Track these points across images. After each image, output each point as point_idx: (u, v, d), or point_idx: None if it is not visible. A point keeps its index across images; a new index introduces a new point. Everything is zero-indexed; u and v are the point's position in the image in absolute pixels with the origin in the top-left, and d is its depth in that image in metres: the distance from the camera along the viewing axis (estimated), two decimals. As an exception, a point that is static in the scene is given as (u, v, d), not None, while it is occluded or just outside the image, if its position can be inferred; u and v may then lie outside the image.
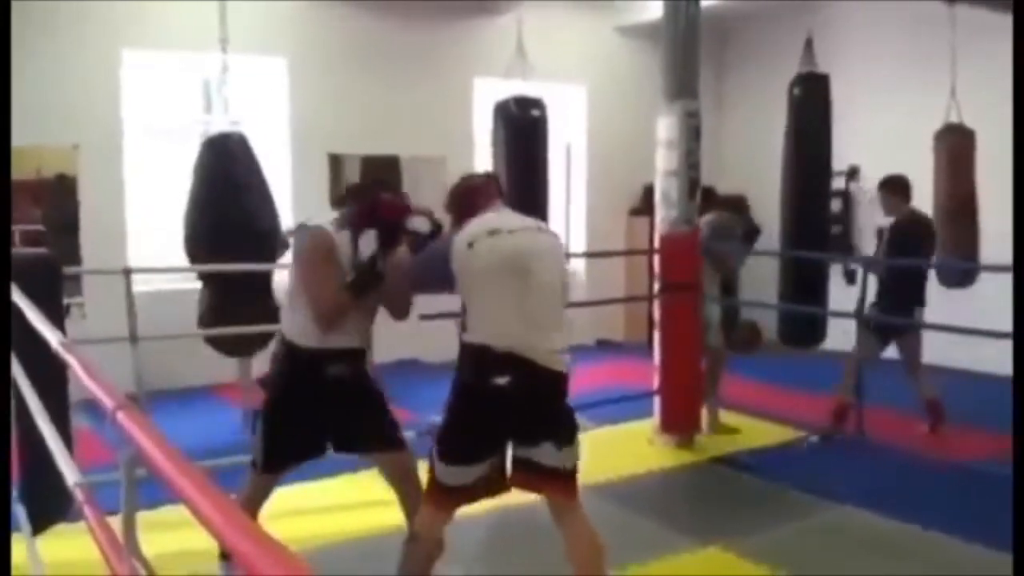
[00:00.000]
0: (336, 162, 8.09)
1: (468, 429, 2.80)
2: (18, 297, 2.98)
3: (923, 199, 5.92)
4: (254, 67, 7.31)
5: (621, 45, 9.42)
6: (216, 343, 5.41)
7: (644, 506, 4.44)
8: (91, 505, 1.91)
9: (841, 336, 5.89)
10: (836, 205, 8.12)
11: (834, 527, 4.15)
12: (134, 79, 7.20)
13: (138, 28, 6.96)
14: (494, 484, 2.88)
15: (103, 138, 6.92)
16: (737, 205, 6.09)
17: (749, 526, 4.10)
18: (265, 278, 5.45)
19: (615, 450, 5.38)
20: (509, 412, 2.75)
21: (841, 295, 6.42)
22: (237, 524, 1.06)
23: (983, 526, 3.77)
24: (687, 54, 5.38)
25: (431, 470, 2.84)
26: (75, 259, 6.57)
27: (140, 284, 5.30)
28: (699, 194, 5.46)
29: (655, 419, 5.55)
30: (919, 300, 5.53)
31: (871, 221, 7.60)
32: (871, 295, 5.55)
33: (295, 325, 3.00)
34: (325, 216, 3.02)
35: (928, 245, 5.68)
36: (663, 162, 5.45)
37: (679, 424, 5.44)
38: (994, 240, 6.38)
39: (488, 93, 7.70)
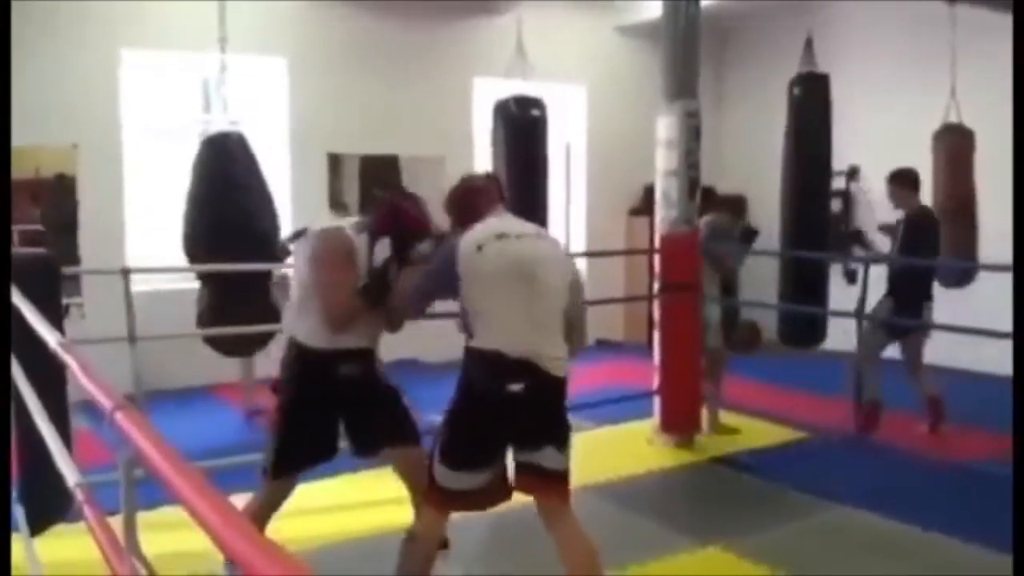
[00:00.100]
0: (335, 162, 8.09)
1: (477, 435, 2.79)
2: (17, 297, 2.97)
3: (923, 199, 5.91)
4: (254, 67, 7.31)
5: (621, 45, 9.42)
6: (215, 343, 5.40)
7: (643, 506, 4.44)
8: (91, 505, 1.90)
9: (841, 336, 5.89)
10: (836, 205, 8.12)
11: (834, 527, 4.14)
12: (133, 79, 7.21)
13: (137, 28, 6.96)
14: (496, 490, 2.89)
15: (102, 138, 6.92)
16: (736, 206, 6.08)
17: (749, 526, 4.09)
18: (264, 278, 5.45)
19: (615, 450, 5.38)
20: (519, 418, 2.75)
21: (841, 295, 6.42)
22: (235, 525, 1.05)
23: (983, 527, 3.77)
24: (687, 54, 5.38)
25: (432, 474, 2.83)
26: (74, 259, 6.57)
27: (139, 284, 5.29)
28: (699, 194, 5.46)
29: (655, 419, 5.54)
30: (928, 295, 5.55)
31: (871, 221, 7.59)
32: (872, 293, 5.54)
33: (305, 327, 3.00)
34: (324, 219, 3.04)
35: (938, 239, 5.69)
36: (663, 162, 5.44)
37: (679, 424, 5.44)
38: (993, 240, 6.39)
39: (488, 93, 7.70)
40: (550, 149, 6.67)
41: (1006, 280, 4.86)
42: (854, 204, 8.69)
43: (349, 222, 3.05)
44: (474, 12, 8.41)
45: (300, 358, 3.02)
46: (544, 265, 2.85)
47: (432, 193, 3.19)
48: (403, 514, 3.16)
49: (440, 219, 3.11)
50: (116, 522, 1.68)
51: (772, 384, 6.93)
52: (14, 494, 3.54)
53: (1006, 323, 4.46)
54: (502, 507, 3.00)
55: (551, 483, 2.81)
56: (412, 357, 7.43)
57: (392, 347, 3.27)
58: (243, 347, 5.51)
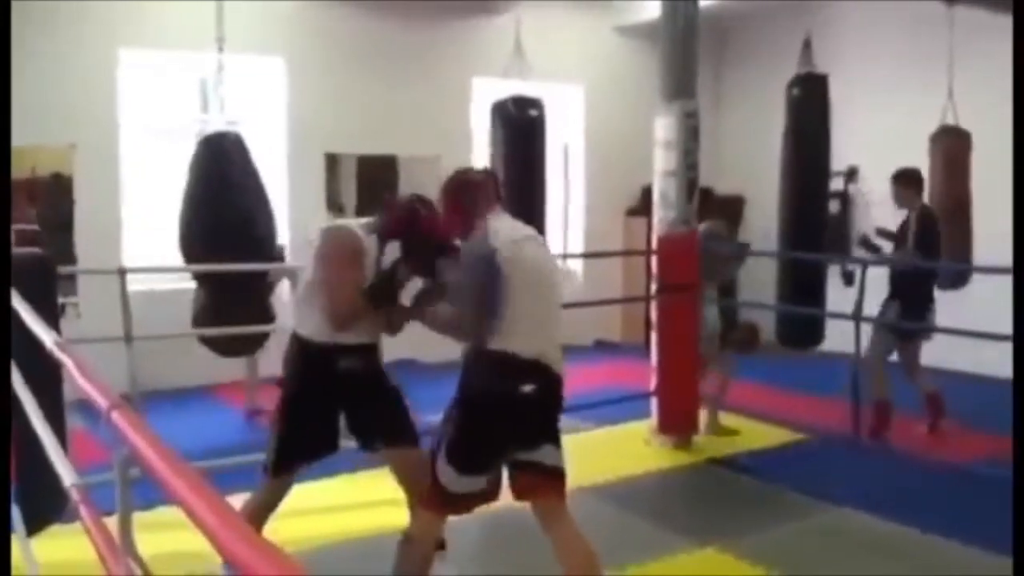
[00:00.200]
0: (333, 162, 8.09)
1: (491, 438, 2.79)
2: (13, 297, 2.96)
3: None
4: (251, 67, 7.29)
5: (619, 45, 9.42)
6: (210, 343, 5.39)
7: (641, 507, 4.44)
8: (87, 505, 1.89)
9: (839, 337, 5.88)
10: (834, 206, 8.12)
11: (832, 529, 4.14)
12: (131, 78, 7.19)
13: (136, 27, 6.95)
14: (490, 493, 2.89)
15: (99, 137, 6.91)
16: (733, 209, 6.08)
17: (746, 527, 4.09)
18: (260, 278, 5.44)
19: (612, 451, 5.37)
20: (530, 418, 2.76)
21: (839, 296, 6.42)
22: (231, 525, 1.04)
23: (982, 528, 3.76)
24: (685, 54, 5.37)
25: (435, 477, 2.81)
26: (70, 258, 6.56)
27: (135, 284, 5.27)
28: (697, 195, 5.45)
29: (652, 420, 5.53)
30: (931, 297, 5.54)
31: (869, 222, 7.60)
32: (868, 295, 5.53)
33: (309, 322, 3.01)
34: (321, 220, 3.05)
35: (940, 240, 5.69)
36: (661, 162, 5.43)
37: (676, 425, 5.43)
38: (987, 241, 6.38)
39: (486, 93, 7.70)
40: (548, 149, 6.67)
41: (999, 282, 4.87)
42: (852, 205, 8.70)
43: (358, 222, 3.06)
44: (472, 12, 8.41)
45: (302, 352, 3.03)
46: (555, 268, 2.97)
47: (431, 193, 3.18)
48: (401, 515, 3.16)
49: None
50: (112, 522, 1.67)
51: (770, 385, 6.93)
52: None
53: (1000, 325, 4.48)
54: (498, 507, 2.99)
55: (551, 481, 2.82)
56: (410, 358, 7.43)
57: (390, 347, 3.26)
58: (239, 347, 5.50)
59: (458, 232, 2.98)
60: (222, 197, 5.20)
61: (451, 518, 2.97)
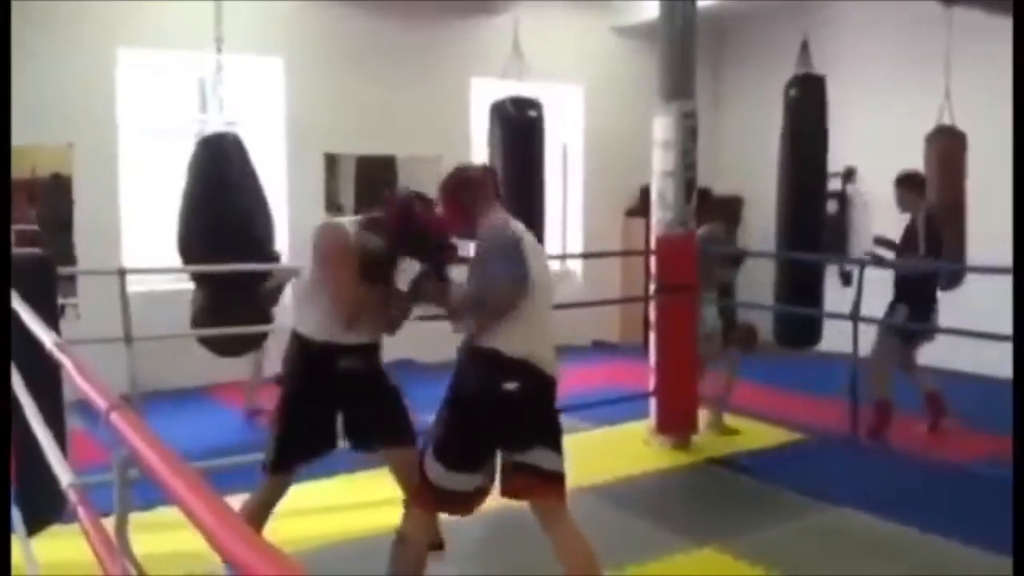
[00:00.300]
0: (332, 162, 8.09)
1: (473, 434, 2.79)
2: (13, 297, 2.96)
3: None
4: (251, 67, 7.29)
5: (618, 45, 9.42)
6: (209, 343, 5.39)
7: (640, 507, 4.44)
8: (85, 506, 1.89)
9: (837, 337, 5.89)
10: (832, 206, 8.13)
11: (831, 529, 4.14)
12: (130, 78, 7.19)
13: (134, 27, 6.95)
14: (482, 495, 2.89)
15: (98, 137, 6.91)
16: (731, 210, 6.09)
17: (745, 527, 4.09)
18: (258, 279, 5.43)
19: (611, 451, 5.37)
20: (516, 417, 2.76)
21: (837, 296, 6.42)
22: (230, 525, 1.05)
23: (982, 528, 3.77)
24: (684, 54, 5.38)
25: (426, 474, 2.82)
26: (70, 259, 6.55)
27: (135, 284, 5.27)
28: (695, 195, 5.45)
29: (651, 420, 5.54)
30: (934, 298, 5.55)
31: (868, 222, 7.61)
32: (866, 296, 5.53)
33: (310, 320, 3.02)
34: (319, 220, 3.06)
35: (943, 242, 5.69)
36: (659, 163, 5.44)
37: (675, 425, 5.43)
38: (983, 241, 6.39)
39: (485, 93, 7.70)
40: (546, 150, 6.67)
41: (993, 282, 4.88)
42: (850, 205, 8.70)
43: (350, 220, 3.08)
44: (471, 12, 8.41)
45: (302, 351, 3.04)
46: (550, 271, 2.95)
47: (430, 194, 3.19)
48: (400, 515, 3.16)
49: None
50: (110, 523, 1.67)
51: (768, 385, 6.93)
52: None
53: (995, 325, 4.48)
54: (497, 507, 2.99)
55: (550, 484, 2.81)
56: (408, 358, 7.43)
57: (387, 347, 3.27)
58: (238, 347, 5.50)
59: (457, 229, 2.99)
60: (221, 198, 5.20)
61: (451, 518, 2.97)
